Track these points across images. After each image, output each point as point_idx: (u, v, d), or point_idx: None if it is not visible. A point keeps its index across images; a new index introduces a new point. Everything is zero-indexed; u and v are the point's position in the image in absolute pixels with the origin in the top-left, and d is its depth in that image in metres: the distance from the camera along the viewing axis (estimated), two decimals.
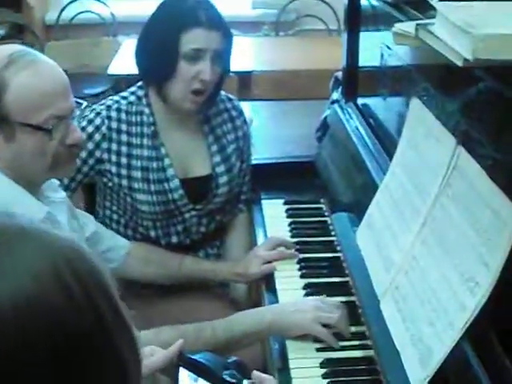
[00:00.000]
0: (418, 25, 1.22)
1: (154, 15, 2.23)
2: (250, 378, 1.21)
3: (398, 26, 1.32)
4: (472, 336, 1.25)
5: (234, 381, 1.18)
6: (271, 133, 3.16)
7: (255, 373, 1.22)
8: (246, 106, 3.09)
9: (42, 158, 1.68)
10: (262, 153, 2.72)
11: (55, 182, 1.89)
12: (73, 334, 0.74)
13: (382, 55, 2.04)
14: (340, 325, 1.73)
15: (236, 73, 3.96)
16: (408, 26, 1.27)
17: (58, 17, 5.13)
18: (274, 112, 3.44)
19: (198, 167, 2.32)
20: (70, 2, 5.14)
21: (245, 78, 4.03)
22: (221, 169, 2.32)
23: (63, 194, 1.91)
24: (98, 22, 5.10)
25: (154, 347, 1.43)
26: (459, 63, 1.05)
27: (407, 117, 1.74)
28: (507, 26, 1.04)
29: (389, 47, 1.96)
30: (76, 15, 5.11)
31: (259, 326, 1.76)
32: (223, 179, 2.32)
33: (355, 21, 2.38)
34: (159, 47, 2.16)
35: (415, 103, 1.69)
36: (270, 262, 2.11)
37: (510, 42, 1.00)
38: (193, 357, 1.25)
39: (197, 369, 1.24)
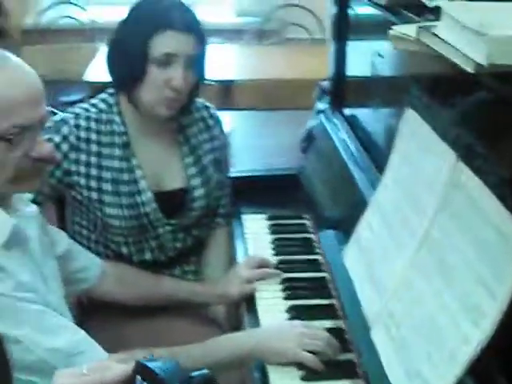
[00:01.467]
0: (420, 27, 1.10)
1: (125, 17, 2.08)
2: None
3: (396, 29, 1.20)
4: (476, 371, 1.13)
5: None
6: (252, 143, 3.06)
7: None
8: (227, 116, 2.98)
9: (3, 169, 1.55)
10: (243, 164, 2.61)
11: (27, 195, 1.77)
12: None
13: (372, 63, 1.93)
14: (327, 351, 1.61)
15: (217, 81, 3.85)
16: (408, 29, 1.15)
17: (37, 21, 4.99)
18: (256, 122, 3.35)
19: (172, 180, 2.18)
20: (49, 7, 5.01)
21: (226, 86, 3.91)
22: (196, 181, 2.19)
23: (34, 207, 1.78)
24: (77, 28, 4.98)
25: (110, 362, 1.31)
26: (470, 69, 0.93)
27: (400, 129, 1.62)
28: None
29: (380, 55, 1.85)
30: (54, 20, 4.98)
31: (239, 353, 1.65)
32: (199, 192, 2.19)
33: (343, 29, 2.27)
34: (129, 50, 2.01)
35: (410, 114, 1.57)
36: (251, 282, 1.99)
37: None
38: (148, 364, 1.13)
39: (149, 378, 1.12)
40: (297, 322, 1.72)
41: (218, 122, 2.30)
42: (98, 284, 2.05)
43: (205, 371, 1.12)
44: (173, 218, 2.17)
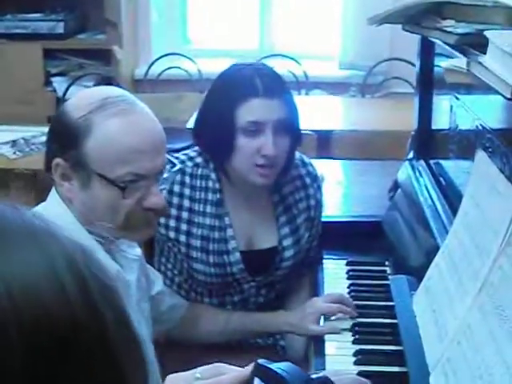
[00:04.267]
0: (469, 58, 1.08)
1: (210, 89, 2.07)
2: None
3: (449, 62, 1.18)
4: None
5: None
6: (344, 191, 3.04)
7: None
8: (320, 164, 2.98)
9: (114, 215, 1.54)
10: (331, 211, 2.59)
11: None
12: (60, 336, 0.64)
13: (451, 107, 1.90)
14: None
15: (316, 132, 3.87)
16: (460, 62, 1.13)
17: (147, 72, 5.15)
18: (350, 171, 3.33)
19: (264, 239, 2.14)
20: (159, 58, 5.17)
21: (324, 137, 3.91)
22: (288, 242, 2.14)
23: (138, 251, 1.76)
24: (185, 78, 5.10)
25: (222, 365, 1.28)
26: (507, 94, 0.90)
27: (472, 171, 1.58)
28: None
29: (457, 97, 1.82)
30: (164, 71, 5.13)
31: None
32: (289, 253, 2.14)
33: (426, 81, 2.28)
34: (215, 123, 1.98)
35: (480, 156, 1.53)
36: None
37: None
38: (269, 366, 1.10)
39: (272, 380, 1.09)
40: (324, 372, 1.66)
41: (314, 179, 2.23)
42: (179, 324, 2.05)
43: (322, 375, 1.11)
44: (258, 275, 2.14)
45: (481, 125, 1.59)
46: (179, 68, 5.12)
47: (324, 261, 2.29)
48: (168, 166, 2.06)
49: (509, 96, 0.91)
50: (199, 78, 4.98)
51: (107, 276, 0.72)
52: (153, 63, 5.16)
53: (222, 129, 1.96)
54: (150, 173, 1.53)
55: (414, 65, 4.43)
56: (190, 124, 3.88)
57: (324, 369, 1.75)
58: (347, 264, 2.26)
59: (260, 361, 1.13)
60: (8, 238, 0.67)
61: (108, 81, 5.06)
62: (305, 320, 1.97)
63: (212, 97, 2.05)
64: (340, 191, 3.03)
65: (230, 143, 1.95)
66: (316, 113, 4.13)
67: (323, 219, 2.37)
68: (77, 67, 5.08)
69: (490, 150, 1.49)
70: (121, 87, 4.97)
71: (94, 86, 4.98)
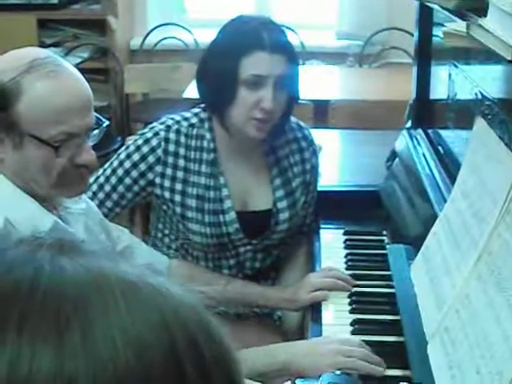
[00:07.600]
0: (469, 21, 1.06)
1: (215, 38, 2.07)
2: None
3: (449, 26, 1.16)
4: None
5: None
6: (342, 161, 3.03)
7: None
8: (318, 133, 2.96)
9: (47, 174, 1.56)
10: (329, 181, 2.58)
11: None
12: None
13: (449, 75, 1.88)
14: (362, 368, 1.54)
15: (312, 101, 3.85)
16: (460, 26, 1.11)
17: (143, 42, 5.11)
18: (349, 141, 3.30)
19: (258, 201, 2.14)
20: (155, 28, 5.12)
21: (321, 106, 3.90)
22: (283, 204, 2.14)
23: (83, 205, 1.77)
24: (182, 49, 5.06)
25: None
26: (508, 56, 0.88)
27: (471, 138, 1.56)
28: None
29: (456, 65, 1.80)
30: (160, 41, 5.09)
31: (272, 367, 1.61)
32: (284, 216, 2.14)
33: (424, 50, 2.26)
34: (219, 72, 1.99)
35: (480, 123, 1.51)
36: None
37: None
38: None
39: None
40: (334, 339, 1.67)
41: (310, 143, 2.24)
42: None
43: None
44: (254, 238, 2.14)
45: (480, 92, 1.57)
46: (175, 38, 5.07)
47: (321, 230, 2.28)
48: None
49: (509, 58, 0.89)
50: (195, 48, 4.94)
51: (218, 334, 0.65)
52: (149, 33, 5.12)
53: (224, 79, 1.98)
54: (81, 130, 1.56)
55: (412, 34, 4.39)
56: (187, 94, 3.87)
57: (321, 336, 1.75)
58: (344, 233, 2.25)
59: (298, 380, 1.11)
60: (111, 298, 0.61)
61: (103, 51, 5.03)
62: (297, 294, 1.98)
63: (218, 45, 2.05)
64: (337, 161, 3.01)
65: (231, 94, 1.97)
66: (313, 83, 4.10)
67: (321, 189, 2.36)
68: (72, 38, 5.04)
69: (489, 117, 1.47)
70: (116, 57, 4.92)
71: (89, 56, 4.96)
